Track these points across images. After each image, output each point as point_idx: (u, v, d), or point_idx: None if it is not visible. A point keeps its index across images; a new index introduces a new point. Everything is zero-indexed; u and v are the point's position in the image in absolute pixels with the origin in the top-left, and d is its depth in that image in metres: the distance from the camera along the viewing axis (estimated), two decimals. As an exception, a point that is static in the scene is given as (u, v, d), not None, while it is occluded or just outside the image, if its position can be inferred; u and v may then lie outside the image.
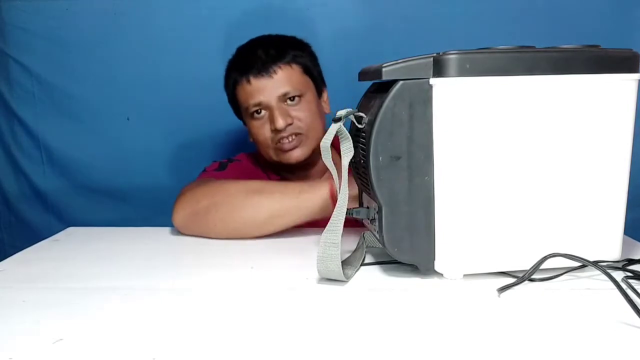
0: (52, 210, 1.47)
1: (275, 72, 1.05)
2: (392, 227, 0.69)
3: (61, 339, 0.55)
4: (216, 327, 0.58)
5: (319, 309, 0.63)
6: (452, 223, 0.68)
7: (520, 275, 0.67)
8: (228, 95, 1.13)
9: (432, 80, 0.65)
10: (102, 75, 1.41)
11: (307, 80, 1.10)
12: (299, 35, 1.13)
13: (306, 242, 0.92)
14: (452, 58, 0.64)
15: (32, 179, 1.47)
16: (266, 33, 1.12)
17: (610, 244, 0.71)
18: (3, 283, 0.74)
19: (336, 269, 0.69)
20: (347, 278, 0.70)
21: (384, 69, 0.66)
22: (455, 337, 0.55)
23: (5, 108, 1.45)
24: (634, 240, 0.84)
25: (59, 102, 1.43)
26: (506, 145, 0.67)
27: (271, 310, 0.63)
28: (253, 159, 1.18)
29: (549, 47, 0.67)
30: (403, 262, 0.71)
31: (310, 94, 1.10)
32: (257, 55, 1.06)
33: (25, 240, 0.97)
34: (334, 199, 0.85)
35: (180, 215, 0.94)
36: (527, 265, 0.67)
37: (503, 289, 0.65)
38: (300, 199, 0.90)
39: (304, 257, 0.83)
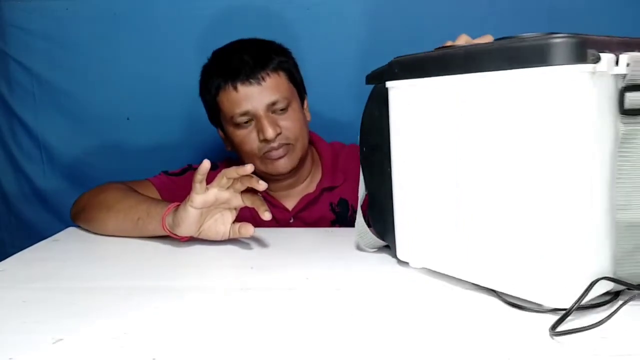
0: (52, 210, 1.47)
1: (263, 79, 1.00)
2: (372, 211, 0.81)
3: (61, 339, 0.55)
4: (216, 327, 0.58)
5: (319, 309, 0.63)
6: (404, 215, 0.74)
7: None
8: (207, 101, 1.08)
9: (387, 84, 0.72)
10: (102, 75, 1.41)
11: (292, 88, 1.07)
12: (299, 35, 1.12)
13: (306, 242, 0.92)
14: (393, 62, 0.71)
15: (32, 179, 1.47)
16: (266, 33, 1.10)
17: (552, 284, 0.57)
18: (3, 283, 0.74)
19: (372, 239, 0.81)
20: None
21: (368, 76, 0.76)
22: (459, 339, 0.55)
23: (5, 108, 1.45)
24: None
25: (59, 102, 1.43)
26: (435, 146, 0.67)
27: (271, 310, 0.63)
28: (235, 165, 1.16)
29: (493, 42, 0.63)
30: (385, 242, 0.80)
31: (296, 103, 1.07)
32: (243, 60, 1.01)
33: (25, 240, 0.97)
34: (165, 227, 0.88)
35: (71, 211, 1.04)
36: (470, 275, 0.65)
37: (558, 332, 0.53)
38: (138, 223, 0.92)
39: (304, 257, 0.83)
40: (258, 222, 0.90)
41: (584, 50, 0.52)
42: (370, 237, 0.81)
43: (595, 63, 0.53)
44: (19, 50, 1.41)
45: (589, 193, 0.56)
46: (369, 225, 0.81)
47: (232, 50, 1.05)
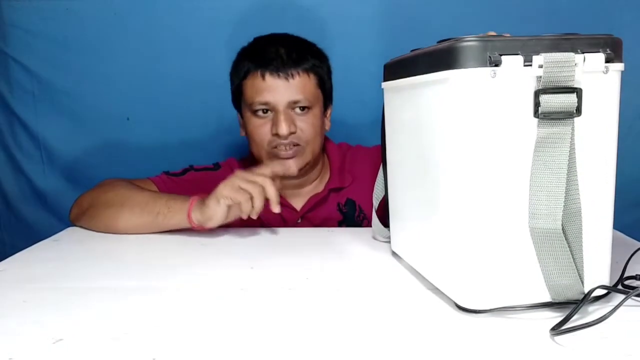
0: (52, 210, 1.46)
1: (292, 76, 1.01)
2: (385, 205, 0.84)
3: (61, 339, 0.55)
4: (216, 327, 0.58)
5: (319, 309, 0.63)
6: (393, 209, 0.80)
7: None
8: (233, 82, 1.09)
9: (382, 85, 0.78)
10: (102, 75, 1.41)
11: (319, 93, 1.07)
12: (307, 34, 1.11)
13: (306, 242, 0.92)
14: (385, 65, 0.76)
15: (32, 179, 1.47)
16: (268, 33, 1.10)
17: (465, 285, 0.59)
18: (3, 283, 0.74)
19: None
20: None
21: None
22: (458, 339, 0.55)
23: (5, 108, 1.45)
24: (635, 240, 0.84)
25: (59, 102, 1.42)
26: (400, 144, 0.74)
27: (271, 311, 0.63)
28: (238, 166, 1.15)
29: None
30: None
31: (318, 108, 1.07)
32: (278, 52, 1.02)
33: (25, 240, 0.97)
34: (190, 220, 0.91)
35: (72, 212, 1.05)
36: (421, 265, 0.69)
37: (558, 332, 0.53)
38: (158, 218, 0.93)
39: (304, 257, 0.83)
40: (265, 222, 0.90)
41: (483, 54, 0.53)
42: (383, 230, 0.88)
43: (495, 66, 0.53)
44: (19, 50, 1.41)
45: (497, 197, 0.55)
46: (384, 222, 0.86)
47: (272, 40, 1.06)
